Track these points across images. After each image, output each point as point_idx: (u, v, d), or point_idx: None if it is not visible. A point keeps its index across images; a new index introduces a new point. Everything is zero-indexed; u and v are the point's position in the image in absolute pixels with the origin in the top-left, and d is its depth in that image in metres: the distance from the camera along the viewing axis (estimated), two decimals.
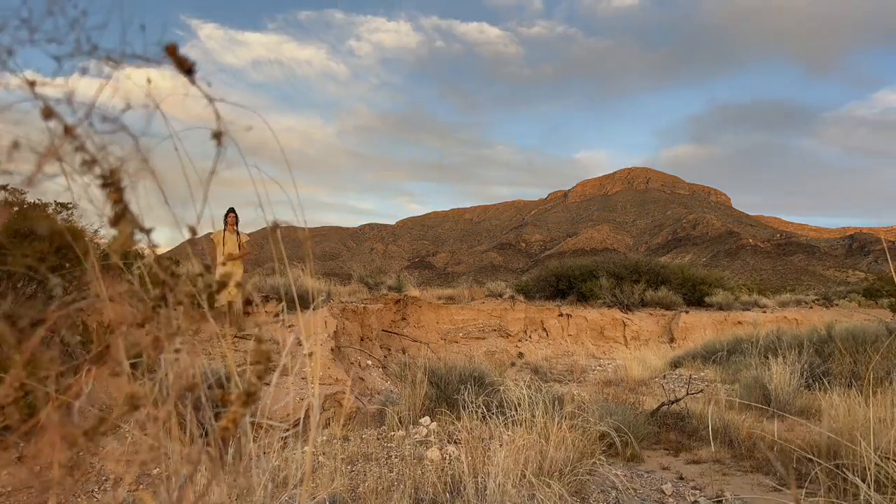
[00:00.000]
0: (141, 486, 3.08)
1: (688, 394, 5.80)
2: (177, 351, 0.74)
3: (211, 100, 0.56)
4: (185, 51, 0.54)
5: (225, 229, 8.06)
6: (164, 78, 0.55)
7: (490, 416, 3.37)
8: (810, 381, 6.31)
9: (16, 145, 0.51)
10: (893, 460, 2.54)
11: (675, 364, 10.24)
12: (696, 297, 16.71)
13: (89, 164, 0.53)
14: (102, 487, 3.25)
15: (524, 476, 2.75)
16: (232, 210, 8.13)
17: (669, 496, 3.53)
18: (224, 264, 7.40)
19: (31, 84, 0.51)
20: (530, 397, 3.35)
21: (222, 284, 0.68)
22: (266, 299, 8.49)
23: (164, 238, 0.64)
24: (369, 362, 9.08)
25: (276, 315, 7.23)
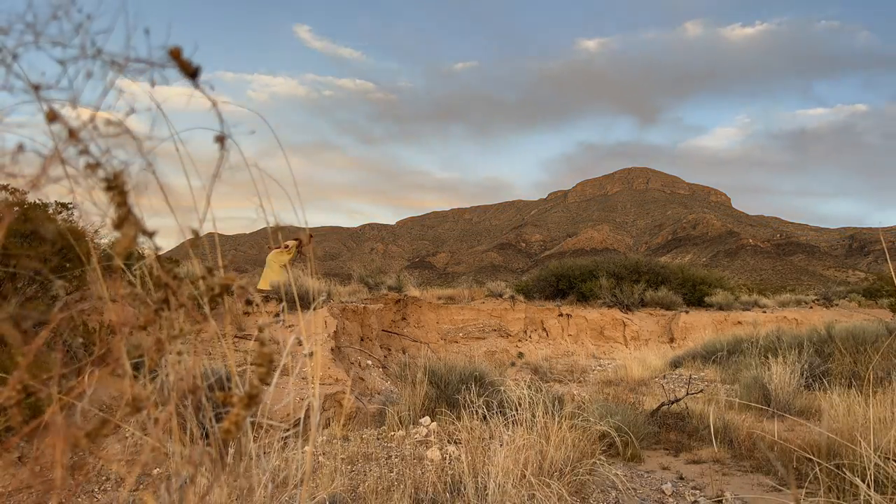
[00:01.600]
0: (142, 487, 3.08)
1: (688, 394, 5.81)
2: (178, 353, 0.75)
3: (214, 103, 0.56)
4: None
5: (276, 248, 9.04)
6: (168, 81, 0.55)
7: (490, 416, 3.37)
8: (810, 381, 6.31)
9: (20, 148, 0.51)
10: (893, 460, 2.54)
11: (675, 364, 10.24)
12: (696, 297, 16.71)
13: (93, 167, 0.53)
14: (103, 488, 3.25)
15: (524, 476, 2.75)
16: (299, 240, 9.49)
17: (669, 496, 3.54)
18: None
19: (36, 88, 0.51)
20: (530, 397, 3.35)
21: (224, 287, 0.69)
22: (266, 299, 8.50)
23: (168, 242, 0.65)
24: (369, 362, 9.08)
25: (277, 315, 7.24)
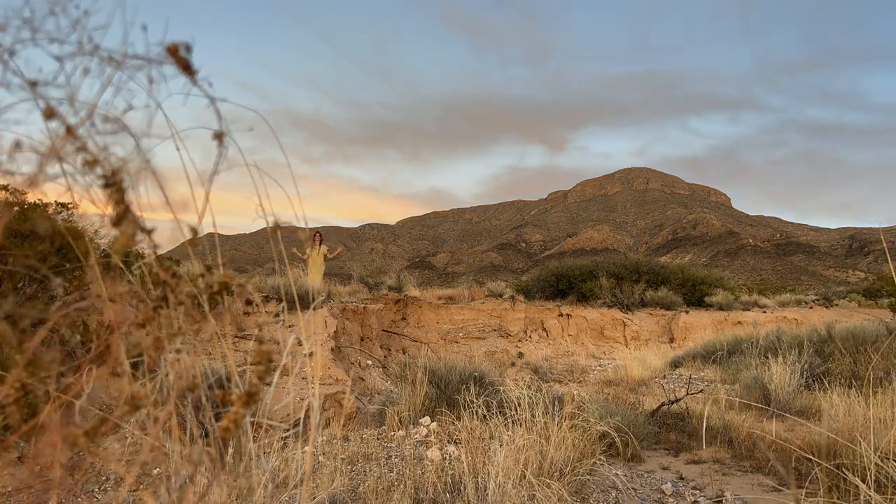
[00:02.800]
0: (142, 487, 3.08)
1: (688, 394, 5.80)
2: (178, 351, 0.74)
3: (213, 100, 0.56)
4: None
5: (311, 247, 10.69)
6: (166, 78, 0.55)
7: (490, 416, 3.37)
8: (810, 381, 6.31)
9: (18, 145, 0.51)
10: (893, 460, 2.54)
11: (675, 364, 10.24)
12: (696, 297, 16.71)
13: (91, 164, 0.53)
14: (103, 487, 3.25)
15: (524, 476, 2.75)
16: (317, 233, 11.35)
17: (669, 496, 3.53)
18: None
19: (33, 84, 0.51)
20: (530, 397, 3.35)
21: (223, 285, 0.68)
22: (266, 299, 8.50)
23: (165, 239, 0.64)
24: (369, 362, 9.08)
25: (277, 315, 7.24)
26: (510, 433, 3.05)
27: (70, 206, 4.89)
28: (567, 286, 16.67)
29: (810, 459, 2.92)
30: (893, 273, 2.11)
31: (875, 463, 2.40)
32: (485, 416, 3.43)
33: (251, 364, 0.68)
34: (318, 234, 11.16)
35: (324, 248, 10.97)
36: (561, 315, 14.95)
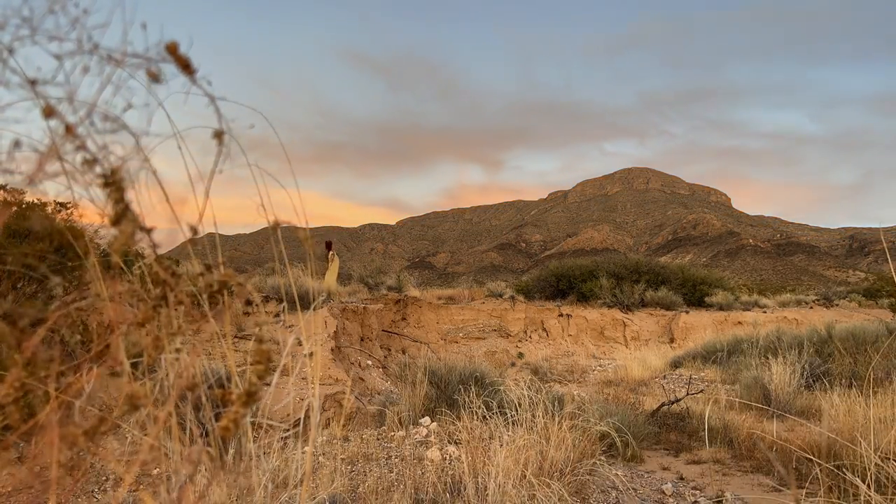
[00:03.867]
0: (141, 487, 3.08)
1: (688, 394, 5.80)
2: (177, 351, 0.74)
3: (212, 99, 0.55)
4: None
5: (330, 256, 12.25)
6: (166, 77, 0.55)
7: (490, 417, 3.37)
8: (810, 381, 6.31)
9: (17, 144, 0.50)
10: (893, 460, 2.54)
11: (676, 364, 10.23)
12: (696, 297, 16.70)
13: (90, 163, 0.52)
14: (102, 487, 3.25)
15: (524, 476, 2.75)
16: (329, 241, 12.84)
17: (669, 496, 3.53)
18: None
19: (32, 83, 0.51)
20: (530, 397, 3.35)
21: (222, 284, 0.68)
22: (266, 299, 8.50)
23: (165, 238, 0.64)
24: (369, 362, 9.08)
25: (277, 315, 7.24)
26: (510, 433, 3.05)
27: (69, 205, 4.89)
28: (567, 286, 16.67)
29: (810, 459, 2.92)
30: (893, 273, 2.11)
31: (875, 463, 2.40)
32: (485, 417, 3.43)
33: (251, 363, 0.68)
34: (329, 243, 12.71)
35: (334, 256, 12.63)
36: (561, 315, 14.95)
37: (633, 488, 3.54)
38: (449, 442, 4.00)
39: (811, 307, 17.75)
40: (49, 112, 0.51)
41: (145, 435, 0.79)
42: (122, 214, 0.54)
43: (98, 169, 0.53)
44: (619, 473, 3.42)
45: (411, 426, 4.48)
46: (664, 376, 9.17)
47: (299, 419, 2.97)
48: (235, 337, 7.09)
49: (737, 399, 6.02)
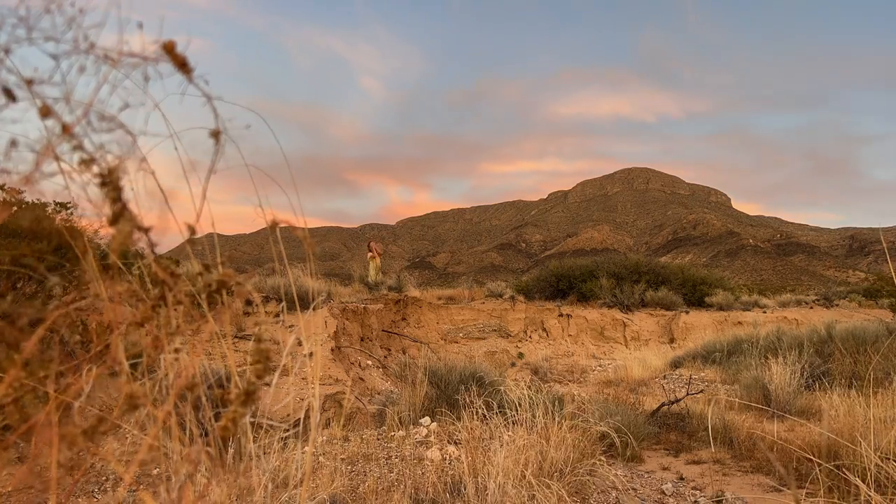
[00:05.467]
0: (141, 486, 3.08)
1: (688, 394, 5.80)
2: (176, 350, 0.74)
3: (209, 98, 0.55)
4: None
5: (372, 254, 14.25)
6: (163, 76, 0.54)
7: (490, 417, 3.37)
8: (810, 381, 6.30)
9: (14, 144, 0.50)
10: (893, 461, 2.53)
11: (676, 364, 10.23)
12: (696, 297, 16.70)
13: (87, 162, 0.52)
14: (102, 487, 3.25)
15: (524, 476, 2.75)
16: (371, 241, 14.82)
17: (669, 496, 3.53)
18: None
19: (29, 83, 0.51)
20: (530, 397, 3.35)
21: (221, 284, 0.68)
22: (266, 299, 8.50)
23: (163, 238, 0.64)
24: (369, 362, 9.08)
25: (277, 315, 7.24)
26: (510, 433, 3.05)
27: (69, 205, 4.89)
28: (567, 286, 16.66)
29: (810, 460, 2.92)
30: (893, 273, 2.10)
31: (875, 463, 2.40)
32: (485, 417, 3.43)
33: (250, 363, 0.68)
34: (371, 243, 14.46)
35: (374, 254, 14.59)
36: (561, 315, 14.95)
37: (633, 488, 3.54)
38: (449, 442, 4.00)
39: (811, 307, 17.75)
40: (46, 112, 0.51)
41: (145, 435, 0.79)
42: (120, 214, 0.54)
43: (95, 168, 0.53)
44: (618, 473, 3.42)
45: (411, 426, 4.48)
46: (664, 376, 9.17)
47: (299, 419, 2.97)
48: (235, 337, 7.09)
49: (737, 399, 6.02)
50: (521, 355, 13.35)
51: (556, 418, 3.16)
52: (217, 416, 0.75)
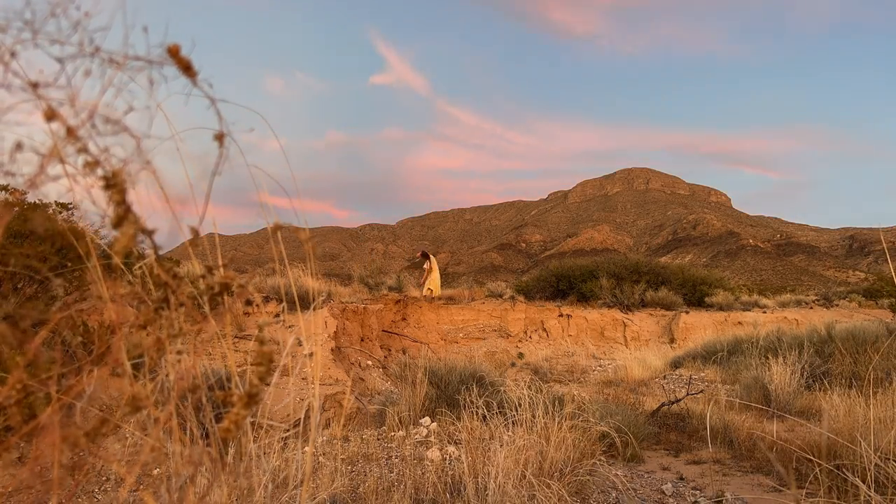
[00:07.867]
0: (142, 487, 3.08)
1: (688, 394, 5.80)
2: (178, 352, 0.74)
3: (213, 101, 0.56)
4: None
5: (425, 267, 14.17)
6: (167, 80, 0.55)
7: (490, 417, 3.37)
8: (810, 381, 6.31)
9: (19, 146, 0.51)
10: (893, 461, 2.54)
11: (676, 364, 10.23)
12: (696, 297, 16.70)
13: (92, 165, 0.53)
14: (103, 488, 3.25)
15: (524, 476, 2.75)
16: (424, 253, 14.69)
17: (669, 496, 3.53)
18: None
19: (34, 85, 0.51)
20: (531, 398, 3.35)
21: (223, 286, 0.69)
22: (267, 300, 8.50)
23: (166, 239, 0.65)
24: (369, 362, 9.08)
25: (277, 315, 7.24)
26: (510, 433, 3.05)
27: (71, 206, 4.89)
28: (567, 286, 16.66)
29: (810, 460, 2.92)
30: (893, 273, 2.11)
31: (875, 463, 2.40)
32: (485, 417, 3.43)
33: (252, 365, 0.68)
34: (425, 252, 14.28)
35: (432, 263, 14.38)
36: (561, 315, 14.95)
37: (633, 488, 3.55)
38: (449, 442, 4.00)
39: (811, 307, 17.76)
40: (51, 115, 0.51)
41: (146, 436, 0.79)
42: (124, 216, 0.54)
43: (100, 171, 0.53)
44: (619, 473, 3.43)
45: (411, 426, 4.48)
46: (664, 376, 9.17)
47: (299, 419, 2.97)
48: (236, 337, 7.09)
49: (737, 399, 6.02)
50: (521, 355, 13.36)
51: (557, 418, 3.16)
52: (218, 417, 0.75)
